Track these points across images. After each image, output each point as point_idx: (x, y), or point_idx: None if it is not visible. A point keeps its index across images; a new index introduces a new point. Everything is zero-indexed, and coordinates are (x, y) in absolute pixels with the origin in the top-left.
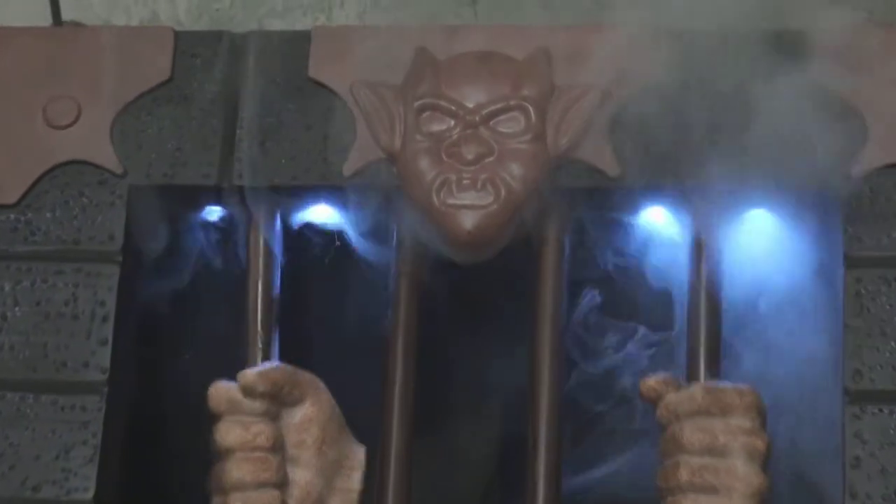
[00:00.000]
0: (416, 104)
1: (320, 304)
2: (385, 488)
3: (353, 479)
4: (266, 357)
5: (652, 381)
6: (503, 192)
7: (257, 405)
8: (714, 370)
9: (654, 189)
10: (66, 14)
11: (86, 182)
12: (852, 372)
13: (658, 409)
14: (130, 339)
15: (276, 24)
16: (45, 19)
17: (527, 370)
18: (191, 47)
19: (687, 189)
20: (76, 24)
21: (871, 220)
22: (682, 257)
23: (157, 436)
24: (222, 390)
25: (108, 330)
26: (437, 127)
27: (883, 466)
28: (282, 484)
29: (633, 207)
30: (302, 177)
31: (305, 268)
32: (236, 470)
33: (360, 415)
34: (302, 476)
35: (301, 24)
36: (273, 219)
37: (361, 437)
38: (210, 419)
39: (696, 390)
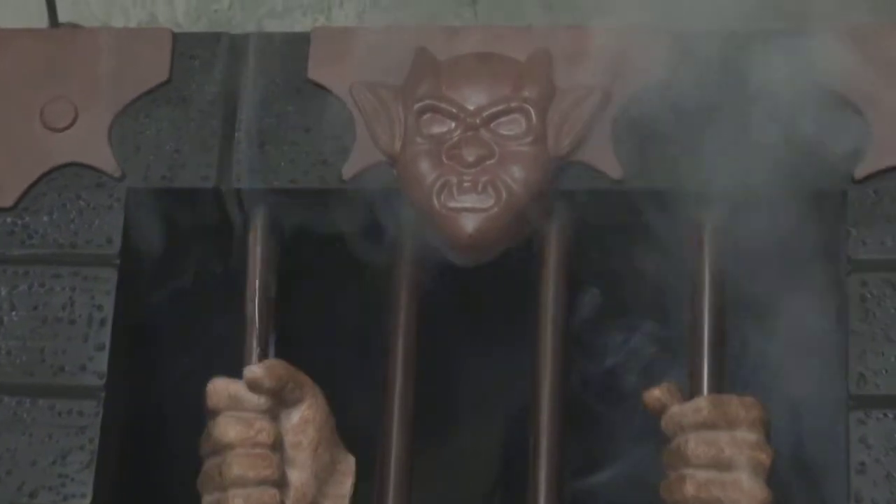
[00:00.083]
0: (417, 106)
1: (319, 308)
2: (385, 495)
3: (346, 486)
4: (264, 360)
5: (656, 392)
6: (504, 195)
7: (260, 401)
8: (718, 378)
9: (656, 191)
10: (64, 15)
11: (83, 185)
12: (857, 377)
13: (663, 419)
14: (128, 343)
15: (275, 25)
16: (42, 21)
17: (528, 374)
18: (189, 49)
19: (690, 191)
20: (73, 26)
21: (876, 222)
22: (685, 260)
23: (155, 441)
24: (223, 386)
25: (106, 334)
26: (437, 129)
27: (888, 472)
28: (281, 483)
29: (636, 209)
30: (301, 179)
31: (304, 271)
32: (237, 466)
33: (358, 421)
34: (297, 477)
35: (300, 24)
36: (271, 221)
37: (360, 444)
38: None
39: (702, 402)
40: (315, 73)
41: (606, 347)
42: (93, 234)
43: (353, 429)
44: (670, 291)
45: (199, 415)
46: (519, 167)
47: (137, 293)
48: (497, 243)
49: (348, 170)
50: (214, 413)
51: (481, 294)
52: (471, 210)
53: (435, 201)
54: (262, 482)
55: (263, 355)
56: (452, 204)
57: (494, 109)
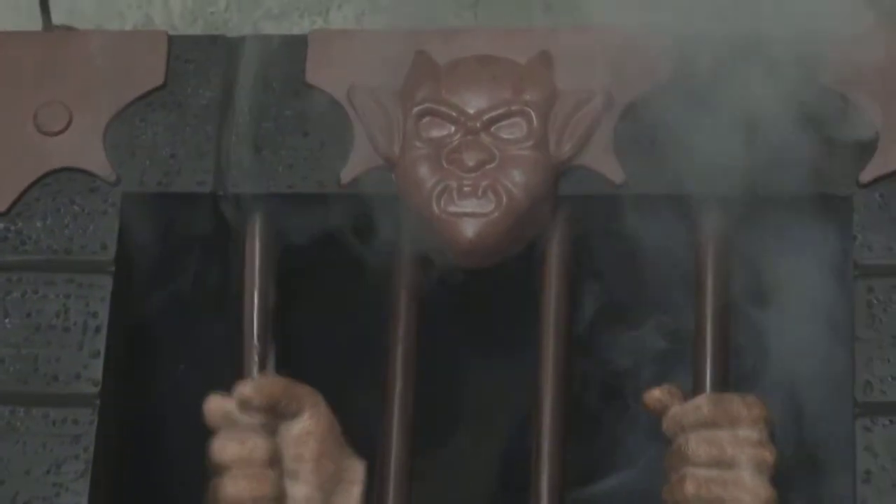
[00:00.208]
0: (416, 109)
1: (318, 315)
2: (385, 499)
3: (353, 494)
4: (262, 368)
5: (657, 393)
6: (505, 200)
7: (254, 419)
8: (722, 380)
9: (658, 196)
10: (57, 18)
11: (77, 190)
12: (863, 384)
13: (664, 421)
14: (123, 350)
15: (272, 28)
16: (35, 23)
17: (530, 379)
18: (185, 52)
19: (693, 196)
20: (67, 29)
21: (882, 227)
22: (689, 265)
23: (152, 449)
24: (218, 404)
25: (101, 342)
26: (437, 133)
27: (895, 480)
28: (279, 499)
29: (638, 214)
30: (299, 184)
31: (303, 277)
32: (232, 486)
33: (358, 428)
34: (300, 491)
35: (298, 27)
36: (269, 227)
37: (360, 452)
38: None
39: (702, 402)
40: (313, 76)
41: (609, 352)
42: (87, 240)
43: (353, 433)
44: (673, 296)
45: (197, 422)
46: (520, 171)
47: (133, 300)
48: (497, 248)
49: (347, 174)
50: (213, 432)
51: (482, 298)
52: (471, 215)
53: (435, 206)
54: (257, 501)
55: (262, 364)
56: (452, 209)
57: (495, 113)
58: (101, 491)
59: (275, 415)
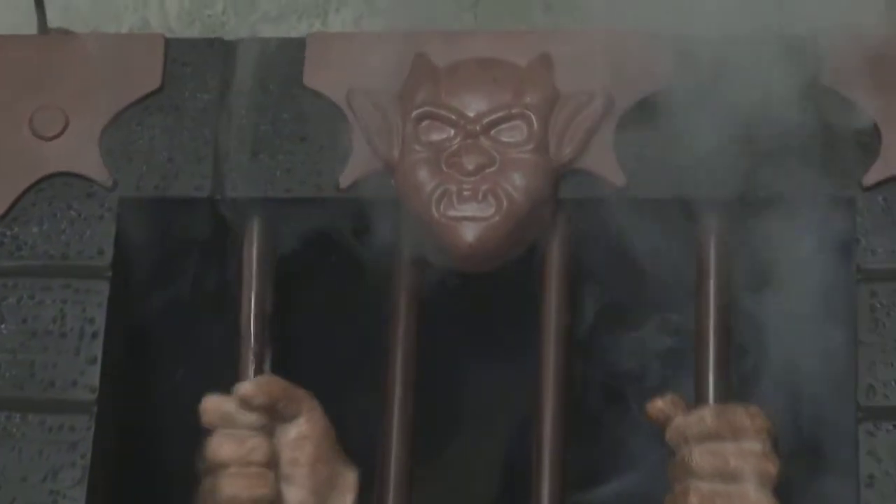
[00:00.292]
0: (415, 113)
1: (316, 319)
2: None
3: (347, 502)
4: (259, 373)
5: (660, 403)
6: (505, 203)
7: (253, 419)
8: (724, 389)
9: (660, 200)
10: (53, 21)
11: (74, 195)
12: (866, 388)
13: (667, 431)
14: (120, 356)
15: (270, 30)
16: (30, 26)
17: (531, 384)
18: (182, 55)
19: (695, 199)
20: (63, 32)
21: (886, 230)
22: (690, 270)
23: (149, 455)
24: (216, 403)
25: (98, 348)
26: (436, 136)
27: None
28: (276, 502)
29: (639, 218)
30: (297, 188)
31: (300, 282)
32: (230, 486)
33: (358, 432)
34: (295, 495)
35: (296, 29)
36: (267, 231)
37: (359, 458)
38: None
39: (706, 412)
40: (311, 79)
41: (610, 355)
42: (84, 245)
43: (353, 436)
44: (674, 298)
45: (195, 428)
46: (520, 175)
47: (130, 305)
48: (498, 253)
49: (345, 178)
50: (209, 431)
51: (483, 302)
52: (471, 219)
53: (434, 210)
54: (255, 502)
55: (259, 368)
56: (452, 213)
57: (495, 116)
58: (99, 498)
59: (273, 416)
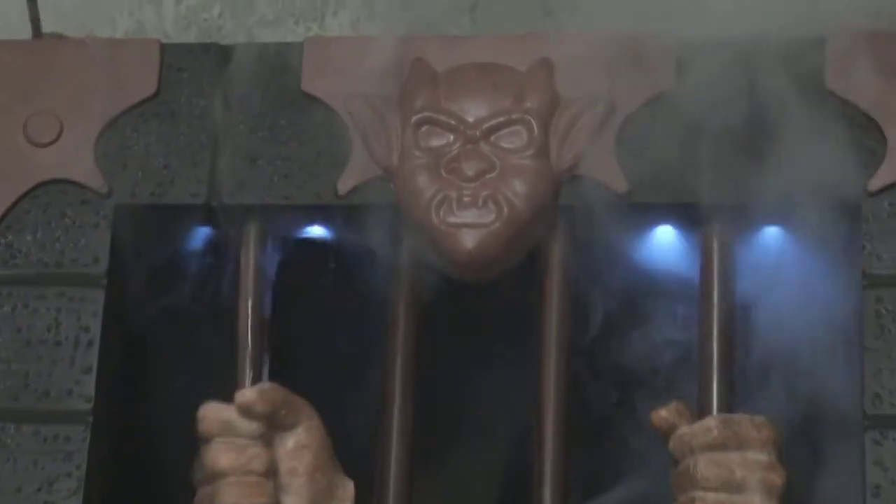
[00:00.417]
0: (414, 118)
1: (314, 327)
2: None
3: None
4: (257, 381)
5: (664, 412)
6: (505, 210)
7: (253, 427)
8: (728, 399)
9: (662, 206)
10: (47, 26)
11: (68, 202)
12: (872, 396)
13: (671, 440)
14: (116, 365)
15: (267, 34)
16: (24, 31)
17: (532, 392)
18: (178, 60)
19: (698, 205)
20: (58, 37)
21: (892, 236)
22: (693, 277)
23: (145, 465)
24: (215, 411)
25: (93, 357)
26: (436, 142)
27: None
28: None
29: (641, 225)
30: (295, 195)
31: (298, 289)
32: (229, 494)
33: (356, 443)
34: None
35: (293, 33)
36: (264, 238)
37: (358, 467)
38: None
39: (711, 422)
40: (308, 84)
41: (611, 361)
42: (79, 253)
43: (352, 443)
44: (677, 308)
45: (192, 437)
46: (520, 181)
47: (125, 314)
48: (498, 259)
49: (344, 185)
50: (206, 439)
51: (483, 310)
52: (471, 226)
53: (434, 216)
54: None
55: (256, 376)
56: (452, 219)
57: (495, 122)
58: None
59: (272, 425)
